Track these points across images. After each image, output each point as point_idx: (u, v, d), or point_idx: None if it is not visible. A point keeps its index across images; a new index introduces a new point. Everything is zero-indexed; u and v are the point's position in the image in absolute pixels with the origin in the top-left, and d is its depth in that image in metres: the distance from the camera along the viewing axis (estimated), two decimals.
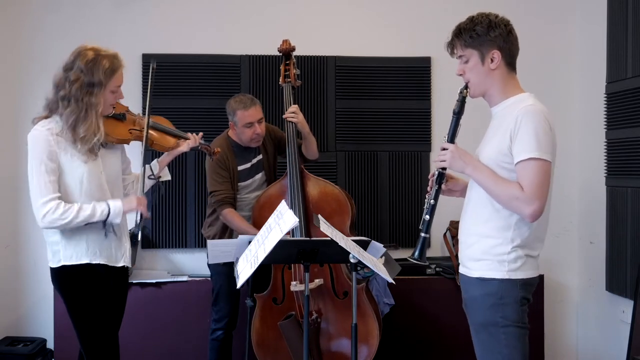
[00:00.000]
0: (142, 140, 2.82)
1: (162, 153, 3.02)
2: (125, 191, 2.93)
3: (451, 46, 2.43)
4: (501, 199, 2.28)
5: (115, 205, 2.63)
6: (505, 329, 2.31)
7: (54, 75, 2.66)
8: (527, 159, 2.22)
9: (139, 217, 2.73)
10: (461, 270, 2.48)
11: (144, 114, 2.89)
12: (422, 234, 2.39)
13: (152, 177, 2.93)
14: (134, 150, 3.01)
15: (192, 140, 3.00)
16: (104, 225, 2.64)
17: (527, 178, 2.22)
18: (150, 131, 2.87)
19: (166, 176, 3.05)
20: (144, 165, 2.83)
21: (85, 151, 2.60)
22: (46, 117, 2.65)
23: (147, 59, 4.21)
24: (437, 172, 2.42)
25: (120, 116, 2.75)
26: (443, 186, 2.43)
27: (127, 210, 2.68)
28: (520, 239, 2.30)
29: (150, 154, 2.89)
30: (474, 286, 2.37)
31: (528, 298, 2.36)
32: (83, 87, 2.57)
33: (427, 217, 2.38)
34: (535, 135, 2.22)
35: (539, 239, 2.38)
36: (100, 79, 2.59)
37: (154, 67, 2.87)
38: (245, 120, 3.53)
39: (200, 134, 3.08)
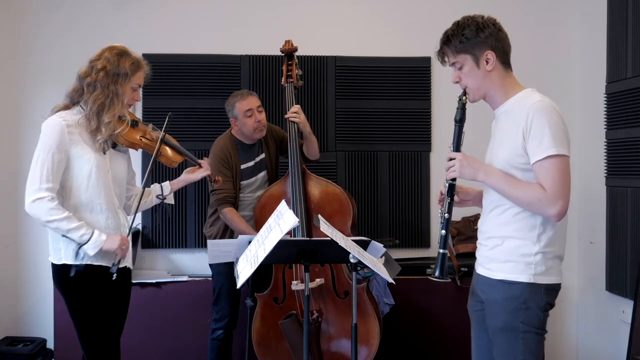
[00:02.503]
0: (149, 150, 2.84)
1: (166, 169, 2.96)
2: (129, 202, 2.92)
3: (441, 55, 2.37)
4: (522, 201, 2.20)
5: (99, 237, 2.56)
6: (525, 334, 2.23)
7: (78, 69, 2.69)
8: (545, 157, 2.14)
9: (117, 260, 2.64)
10: (480, 271, 2.38)
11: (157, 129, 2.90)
12: (441, 250, 2.29)
13: (160, 196, 2.96)
14: (138, 161, 2.98)
15: (206, 168, 2.99)
16: (78, 247, 2.55)
17: (549, 177, 2.14)
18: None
19: (170, 200, 3.05)
20: (148, 171, 2.80)
21: (102, 141, 2.61)
22: (65, 108, 2.66)
23: (147, 59, 4.19)
24: (447, 185, 2.32)
25: (133, 123, 2.76)
26: (455, 198, 2.34)
27: (106, 249, 2.57)
28: (546, 239, 2.22)
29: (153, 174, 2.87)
30: (495, 288, 2.28)
31: (552, 304, 2.27)
32: (109, 75, 2.62)
33: (443, 232, 2.29)
34: (550, 131, 2.14)
35: (563, 237, 2.30)
36: (126, 70, 2.65)
37: (171, 116, 2.88)
38: (244, 108, 3.54)
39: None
